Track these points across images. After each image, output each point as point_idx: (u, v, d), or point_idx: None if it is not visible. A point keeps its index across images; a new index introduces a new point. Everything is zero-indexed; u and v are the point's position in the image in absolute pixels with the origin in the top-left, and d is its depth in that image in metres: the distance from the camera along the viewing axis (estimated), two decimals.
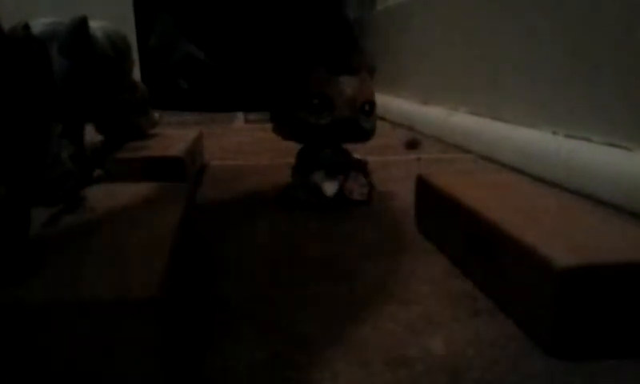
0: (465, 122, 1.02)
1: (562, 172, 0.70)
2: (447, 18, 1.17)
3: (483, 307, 0.38)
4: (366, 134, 0.65)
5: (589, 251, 0.33)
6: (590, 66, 0.68)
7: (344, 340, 0.33)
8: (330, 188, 0.63)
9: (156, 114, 0.84)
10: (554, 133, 0.75)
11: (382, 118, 1.23)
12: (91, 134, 0.75)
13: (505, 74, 0.93)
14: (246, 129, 1.40)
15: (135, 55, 0.75)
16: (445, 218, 0.48)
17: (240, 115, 1.63)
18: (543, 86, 0.80)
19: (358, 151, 0.68)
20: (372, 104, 0.64)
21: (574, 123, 0.72)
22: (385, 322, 0.35)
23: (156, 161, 0.66)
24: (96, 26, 0.65)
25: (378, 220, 0.59)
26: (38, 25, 0.57)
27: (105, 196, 0.44)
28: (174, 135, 0.83)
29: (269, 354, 0.31)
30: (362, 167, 0.68)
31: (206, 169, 0.86)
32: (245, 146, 1.08)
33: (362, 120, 0.63)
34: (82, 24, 0.59)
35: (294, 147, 0.67)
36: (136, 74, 0.76)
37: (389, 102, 1.44)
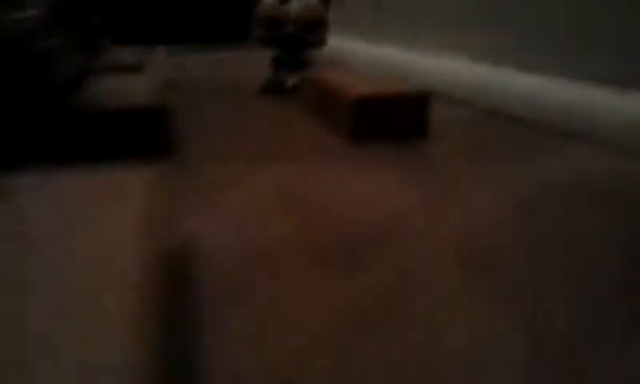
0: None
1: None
2: None
3: (325, 131, 0.69)
4: (311, 44, 0.93)
5: (369, 91, 0.65)
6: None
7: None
8: (290, 81, 0.93)
9: None
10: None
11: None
12: None
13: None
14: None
15: None
16: (314, 93, 0.78)
17: (162, 49, 1.73)
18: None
19: None
20: (316, 22, 0.92)
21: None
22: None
23: None
24: None
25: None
26: None
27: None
28: None
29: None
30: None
31: None
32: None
33: (305, 34, 0.91)
34: None
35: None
36: None
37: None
